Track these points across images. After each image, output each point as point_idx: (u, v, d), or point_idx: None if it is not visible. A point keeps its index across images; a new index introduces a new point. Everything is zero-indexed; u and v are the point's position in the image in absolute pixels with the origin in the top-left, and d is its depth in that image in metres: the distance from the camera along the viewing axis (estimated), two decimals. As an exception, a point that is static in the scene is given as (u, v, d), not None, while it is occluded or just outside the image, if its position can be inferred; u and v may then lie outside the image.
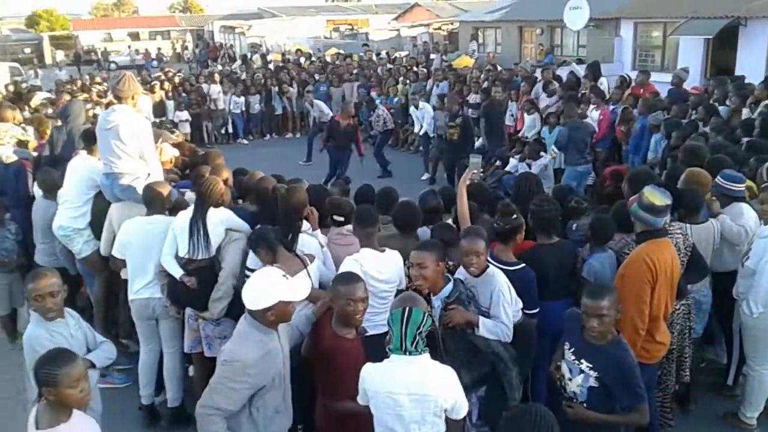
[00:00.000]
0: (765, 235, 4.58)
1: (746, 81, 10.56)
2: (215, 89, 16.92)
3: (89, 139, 5.73)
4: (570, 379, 3.58)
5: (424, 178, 12.50)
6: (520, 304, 4.04)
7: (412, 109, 13.81)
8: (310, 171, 11.51)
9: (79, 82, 18.06)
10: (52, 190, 5.82)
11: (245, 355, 3.14)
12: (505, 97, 12.83)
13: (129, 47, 47.31)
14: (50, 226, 5.69)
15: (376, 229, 4.35)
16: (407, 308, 3.08)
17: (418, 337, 3.02)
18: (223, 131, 17.18)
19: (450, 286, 3.84)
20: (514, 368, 3.83)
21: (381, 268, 4.16)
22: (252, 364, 3.14)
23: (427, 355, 3.08)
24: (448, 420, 3.12)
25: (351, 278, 3.58)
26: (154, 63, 39.13)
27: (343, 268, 4.06)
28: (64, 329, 3.72)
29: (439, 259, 3.77)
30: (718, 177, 5.08)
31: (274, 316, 3.19)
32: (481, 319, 3.79)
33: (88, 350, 3.82)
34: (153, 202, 4.86)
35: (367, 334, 3.78)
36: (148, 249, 4.76)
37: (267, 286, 3.18)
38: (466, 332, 3.78)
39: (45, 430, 2.88)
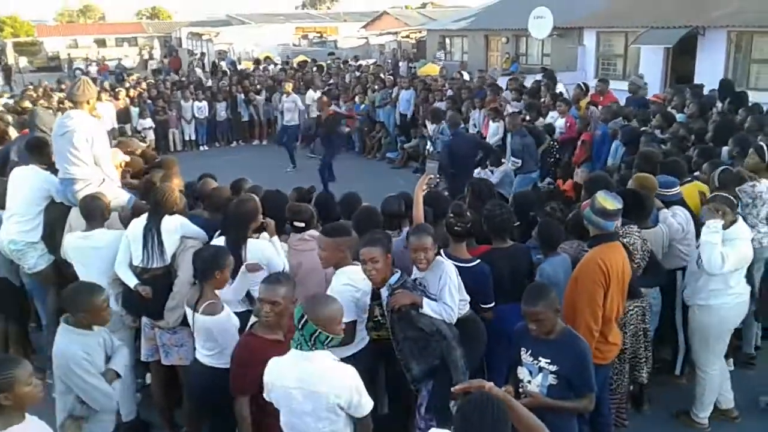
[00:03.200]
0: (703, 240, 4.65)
1: (705, 89, 10.82)
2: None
3: (33, 149, 5.55)
4: (529, 382, 3.63)
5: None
6: (465, 295, 4.12)
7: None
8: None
9: (40, 90, 17.73)
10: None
11: None
12: (468, 105, 12.93)
13: (86, 57, 43.01)
14: None
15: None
16: None
17: (316, 335, 3.03)
18: (186, 138, 17.00)
19: (397, 275, 3.92)
20: (458, 347, 3.87)
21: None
22: None
23: (326, 352, 3.10)
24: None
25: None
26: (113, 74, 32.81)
27: (339, 289, 3.97)
28: (95, 338, 3.71)
29: (387, 251, 3.84)
30: None
31: None
32: (425, 299, 3.88)
33: (107, 357, 3.82)
34: (92, 214, 4.74)
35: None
36: (89, 265, 4.69)
37: None
38: (411, 314, 3.83)
39: None
